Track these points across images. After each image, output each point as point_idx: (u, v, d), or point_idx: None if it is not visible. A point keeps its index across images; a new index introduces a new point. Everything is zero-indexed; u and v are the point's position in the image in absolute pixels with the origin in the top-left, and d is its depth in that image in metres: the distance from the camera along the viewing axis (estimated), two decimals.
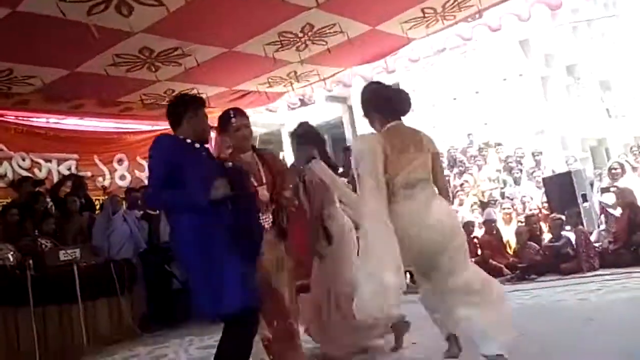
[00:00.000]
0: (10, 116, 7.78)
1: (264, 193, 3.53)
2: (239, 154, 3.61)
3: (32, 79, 6.39)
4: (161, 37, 5.77)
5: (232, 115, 3.62)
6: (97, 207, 8.06)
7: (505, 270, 7.49)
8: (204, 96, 7.74)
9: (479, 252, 8.06)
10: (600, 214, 8.30)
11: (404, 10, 6.39)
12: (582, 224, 7.64)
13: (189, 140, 3.10)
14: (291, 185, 3.95)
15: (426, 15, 6.59)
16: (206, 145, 3.25)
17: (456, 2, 6.38)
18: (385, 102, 3.61)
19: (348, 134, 16.47)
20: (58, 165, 8.27)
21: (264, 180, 3.58)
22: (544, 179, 9.08)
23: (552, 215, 7.86)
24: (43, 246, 6.25)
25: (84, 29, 5.12)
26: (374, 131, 3.63)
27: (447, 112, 14.60)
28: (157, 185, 3.00)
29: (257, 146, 4.00)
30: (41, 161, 8.08)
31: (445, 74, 14.56)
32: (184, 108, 3.16)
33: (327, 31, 6.48)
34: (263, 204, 3.51)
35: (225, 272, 2.83)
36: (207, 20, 5.55)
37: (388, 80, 13.12)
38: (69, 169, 8.32)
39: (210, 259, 2.85)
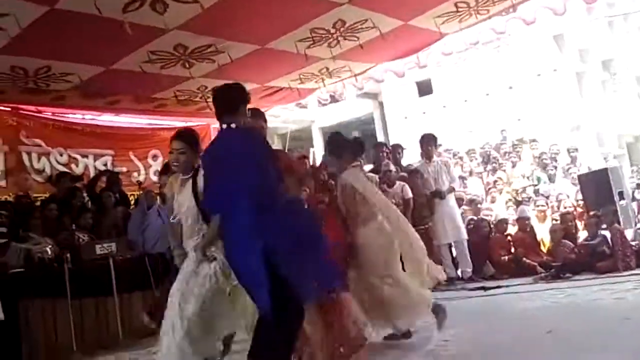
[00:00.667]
0: (48, 112, 7.98)
1: None
2: None
3: (69, 76, 6.53)
4: (195, 34, 5.84)
5: (250, 115, 3.66)
6: (132, 202, 8.20)
7: (539, 269, 7.38)
8: None
9: (512, 250, 7.97)
10: (638, 212, 8.12)
11: (437, 4, 6.34)
12: (619, 222, 7.46)
13: None
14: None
15: (459, 9, 6.53)
16: None
17: None
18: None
19: (379, 130, 16.41)
20: (94, 160, 8.44)
21: None
22: (579, 176, 8.91)
23: (589, 212, 7.72)
24: (80, 240, 6.39)
25: (120, 26, 5.22)
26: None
27: (480, 108, 14.40)
28: None
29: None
30: (78, 157, 8.26)
31: (478, 69, 14.38)
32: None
33: (359, 27, 6.47)
34: None
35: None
36: (240, 17, 5.60)
37: (420, 75, 13.04)
38: (105, 165, 8.49)
39: None
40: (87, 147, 8.36)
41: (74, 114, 8.27)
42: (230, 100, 3.25)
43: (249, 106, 3.39)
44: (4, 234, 5.99)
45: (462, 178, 9.69)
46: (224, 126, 3.22)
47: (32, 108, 7.75)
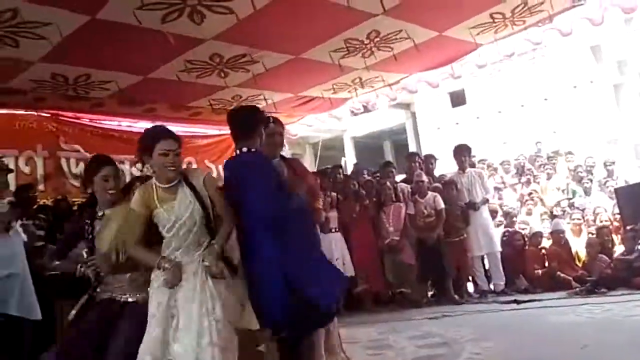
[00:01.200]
0: (86, 119, 8.19)
1: None
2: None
3: (108, 84, 6.70)
4: (231, 44, 5.93)
5: (271, 121, 3.69)
6: None
7: (574, 283, 7.23)
8: (270, 101, 7.99)
9: (547, 263, 7.84)
10: None
11: (472, 15, 6.31)
12: None
13: None
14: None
15: (495, 20, 6.49)
16: None
17: (526, 7, 6.25)
18: None
19: (411, 141, 16.33)
20: (130, 167, 8.59)
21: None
22: (616, 190, 8.71)
23: (626, 227, 7.55)
24: None
25: (158, 36, 5.35)
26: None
27: (514, 119, 14.23)
28: None
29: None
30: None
31: (513, 80, 14.21)
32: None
33: (393, 37, 6.48)
34: None
35: None
36: (274, 27, 5.67)
37: (453, 86, 12.94)
38: (141, 171, 8.61)
39: None
40: (124, 153, 8.48)
41: (112, 120, 8.46)
42: (244, 123, 3.31)
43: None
44: (41, 236, 6.13)
45: (497, 189, 9.60)
46: (240, 150, 3.29)
47: (71, 114, 7.96)
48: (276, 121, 3.80)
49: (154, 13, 4.98)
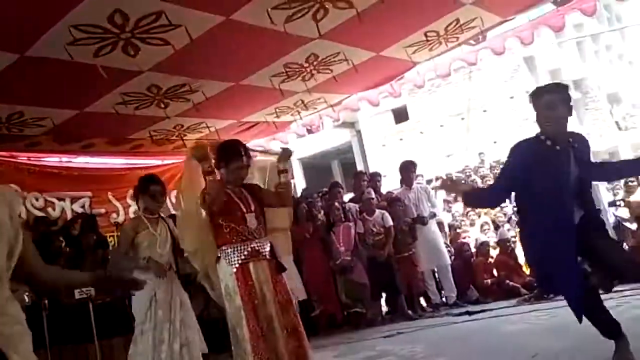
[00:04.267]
0: (23, 157, 7.88)
1: (252, 220, 3.61)
2: (231, 185, 3.69)
3: (42, 121, 6.48)
4: (168, 74, 5.86)
5: (242, 153, 3.71)
6: (111, 244, 8.08)
7: (523, 290, 7.40)
8: (212, 129, 7.92)
9: (495, 273, 7.99)
10: (615, 227, 8.20)
11: (407, 35, 6.46)
12: None
13: None
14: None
15: (429, 38, 6.65)
16: None
17: (458, 25, 6.44)
18: None
19: (357, 159, 16.50)
20: (72, 203, 8.31)
21: (252, 208, 3.65)
22: None
23: None
24: None
25: (92, 70, 5.23)
26: None
27: (456, 132, 14.61)
28: None
29: (268, 175, 4.18)
30: (55, 200, 8.12)
31: (452, 94, 14.59)
32: None
33: (332, 60, 6.55)
34: (252, 230, 3.58)
35: None
36: (212, 56, 5.64)
37: (395, 102, 13.18)
38: (83, 207, 8.36)
39: None
40: (64, 190, 8.23)
41: (49, 157, 8.18)
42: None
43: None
44: None
45: (446, 202, 9.74)
46: None
47: (6, 154, 7.66)
48: (247, 152, 3.82)
49: (86, 48, 4.87)
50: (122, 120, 6.75)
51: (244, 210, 3.64)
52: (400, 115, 15.82)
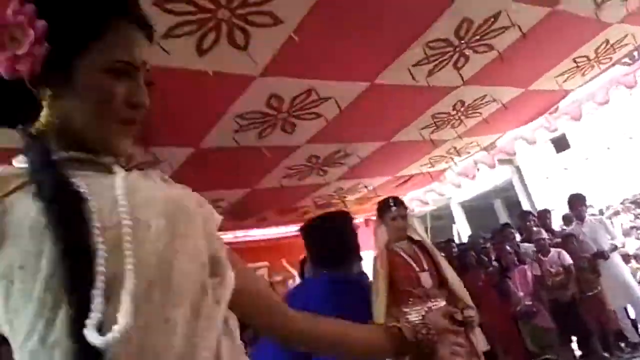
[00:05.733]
0: None
1: (427, 279, 3.58)
2: (394, 242, 3.74)
3: (219, 202, 7.14)
4: (324, 143, 6.21)
5: (388, 204, 3.81)
6: None
7: None
8: (370, 187, 8.15)
9: None
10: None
11: (555, 65, 6.23)
12: None
13: None
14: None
15: (579, 64, 6.36)
16: None
17: (609, 45, 6.10)
18: None
19: (521, 195, 15.83)
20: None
21: (425, 267, 3.64)
22: None
23: None
24: None
25: (257, 151, 5.73)
26: None
27: (625, 154, 13.51)
28: None
29: (429, 223, 4.23)
30: None
31: (616, 113, 13.61)
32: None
33: (479, 103, 6.50)
34: (426, 290, 3.55)
35: None
36: (362, 119, 5.89)
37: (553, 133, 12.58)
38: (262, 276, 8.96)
39: None
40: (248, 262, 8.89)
41: (226, 234, 8.92)
42: None
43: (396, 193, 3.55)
44: None
45: (635, 228, 9.02)
46: None
47: None
48: (398, 202, 3.92)
49: (250, 133, 5.37)
50: (288, 192, 7.25)
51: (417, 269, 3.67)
52: (561, 144, 15.00)
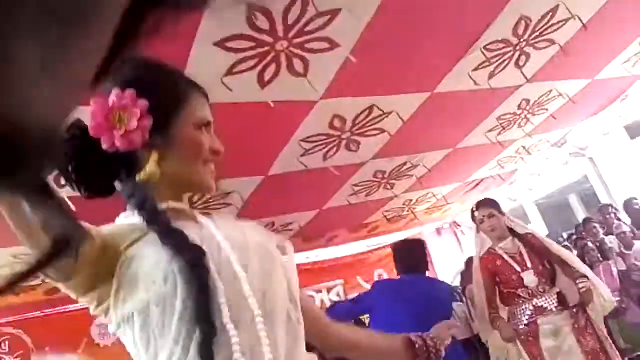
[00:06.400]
0: None
1: (530, 278, 3.50)
2: (497, 243, 3.68)
3: (290, 225, 7.25)
4: (389, 157, 6.19)
5: (473, 210, 3.78)
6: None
7: None
8: (439, 196, 8.05)
9: None
10: None
11: (620, 51, 5.99)
12: None
13: None
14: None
15: None
16: None
17: None
18: None
19: (597, 187, 15.18)
20: (328, 293, 8.99)
21: (529, 265, 3.56)
22: None
23: None
24: None
25: (324, 172, 5.78)
26: None
27: None
28: None
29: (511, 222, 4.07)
30: (313, 293, 8.86)
31: None
32: None
33: (545, 99, 6.32)
34: (530, 289, 3.48)
35: None
36: (425, 129, 5.84)
37: (625, 120, 12.05)
38: (338, 295, 8.98)
39: None
40: (319, 282, 8.97)
41: (297, 256, 9.02)
42: None
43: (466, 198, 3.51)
44: None
45: None
46: None
47: None
48: (480, 205, 3.89)
49: (315, 155, 5.42)
50: (357, 208, 7.25)
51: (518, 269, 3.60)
52: (634, 129, 14.34)
